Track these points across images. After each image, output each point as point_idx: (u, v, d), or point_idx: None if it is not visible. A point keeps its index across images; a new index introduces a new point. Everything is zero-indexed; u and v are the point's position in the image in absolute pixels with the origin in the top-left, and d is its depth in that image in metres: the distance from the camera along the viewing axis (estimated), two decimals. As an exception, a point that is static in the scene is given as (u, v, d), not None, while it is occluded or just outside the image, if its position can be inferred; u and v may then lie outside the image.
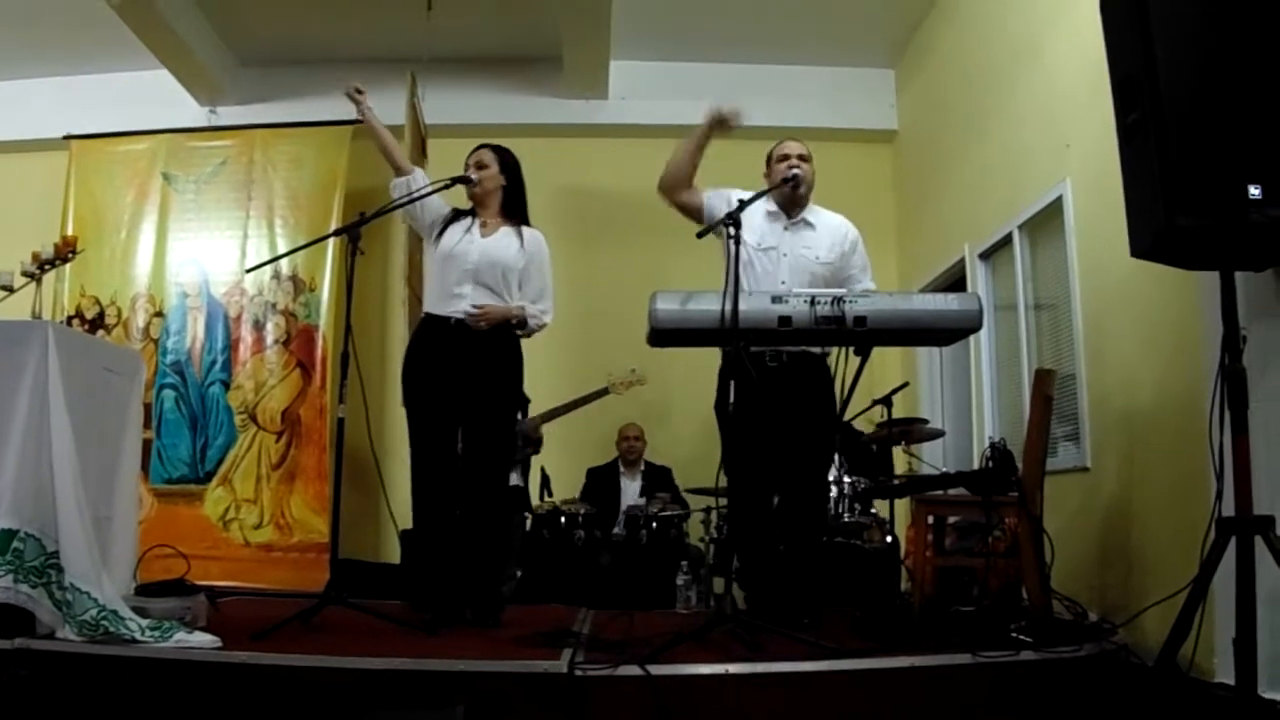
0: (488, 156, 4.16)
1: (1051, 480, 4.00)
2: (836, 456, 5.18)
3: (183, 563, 4.00)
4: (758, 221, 4.01)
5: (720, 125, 3.93)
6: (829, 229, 4.09)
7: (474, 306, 3.96)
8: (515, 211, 4.17)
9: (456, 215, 4.17)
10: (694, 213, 4.04)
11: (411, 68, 6.43)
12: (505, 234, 4.09)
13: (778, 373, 3.85)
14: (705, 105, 3.97)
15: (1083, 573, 4.09)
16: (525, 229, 4.14)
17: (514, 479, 5.51)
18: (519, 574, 5.38)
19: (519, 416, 5.25)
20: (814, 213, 4.12)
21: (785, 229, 4.05)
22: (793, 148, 4.10)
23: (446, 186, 4.08)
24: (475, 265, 4.00)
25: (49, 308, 6.09)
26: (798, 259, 3.99)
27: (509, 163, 4.20)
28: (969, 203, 5.83)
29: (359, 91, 4.12)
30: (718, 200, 3.94)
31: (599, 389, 5.98)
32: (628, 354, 5.84)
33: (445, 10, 6.31)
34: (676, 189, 4.04)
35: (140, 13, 5.97)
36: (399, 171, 4.18)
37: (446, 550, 3.91)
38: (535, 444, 5.82)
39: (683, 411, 6.56)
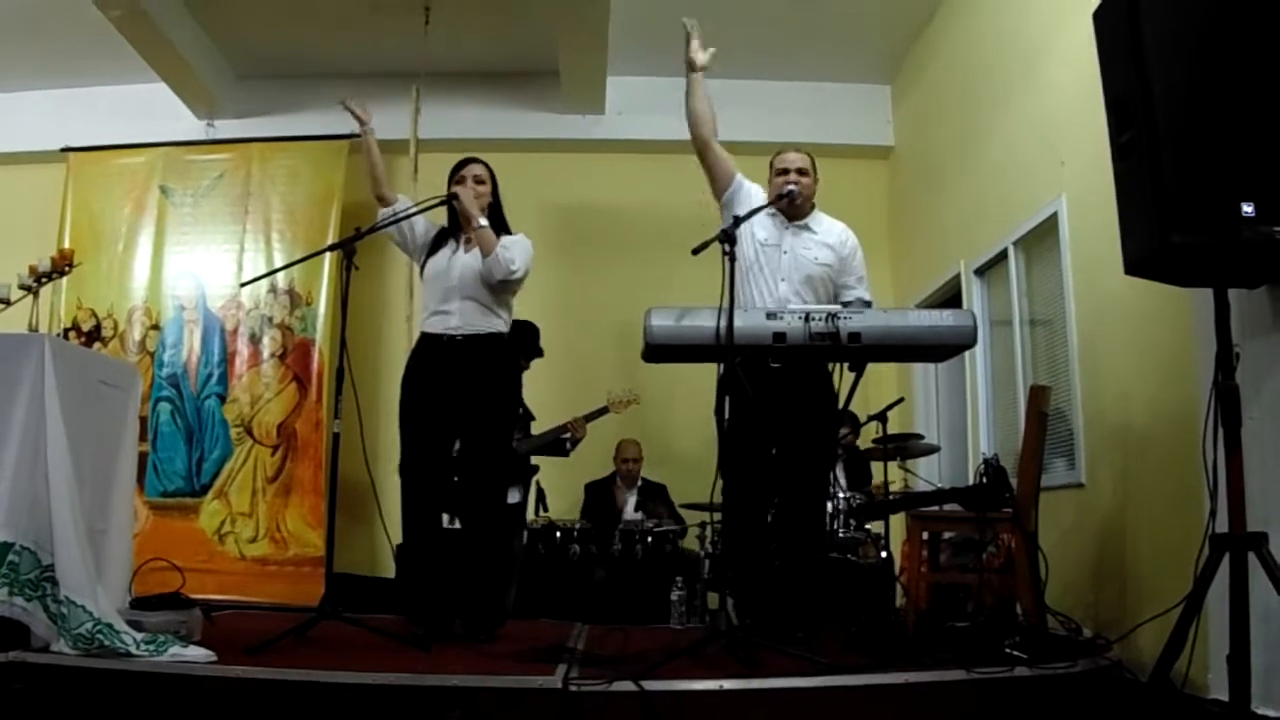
0: (484, 173, 4.16)
1: (1046, 496, 4.00)
2: (836, 474, 5.18)
3: (178, 576, 4.01)
4: (762, 219, 4.06)
5: (692, 67, 4.14)
6: (830, 234, 4.14)
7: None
8: (497, 224, 4.11)
9: (442, 235, 4.18)
10: (719, 180, 4.14)
11: (413, 83, 6.44)
12: None
13: (778, 376, 3.83)
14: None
15: (1077, 589, 4.09)
16: (507, 238, 4.08)
17: (515, 496, 5.51)
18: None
19: (518, 436, 5.26)
20: (816, 219, 4.17)
21: (787, 228, 4.10)
22: (792, 160, 4.12)
23: (443, 203, 4.08)
24: (459, 281, 4.01)
25: (45, 320, 6.08)
26: (798, 257, 4.03)
27: (494, 177, 4.20)
28: (964, 219, 5.85)
29: (363, 119, 4.16)
30: (742, 194, 4.07)
31: (599, 408, 5.97)
32: (627, 370, 5.82)
33: (443, 25, 6.32)
34: (703, 141, 4.14)
35: (138, 26, 5.97)
36: (383, 201, 4.17)
37: (437, 564, 3.92)
38: (575, 442, 5.86)
39: (681, 426, 6.55)
